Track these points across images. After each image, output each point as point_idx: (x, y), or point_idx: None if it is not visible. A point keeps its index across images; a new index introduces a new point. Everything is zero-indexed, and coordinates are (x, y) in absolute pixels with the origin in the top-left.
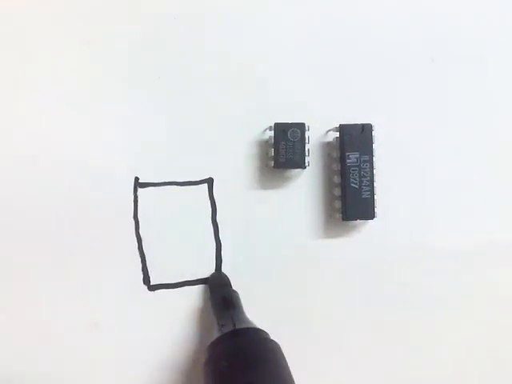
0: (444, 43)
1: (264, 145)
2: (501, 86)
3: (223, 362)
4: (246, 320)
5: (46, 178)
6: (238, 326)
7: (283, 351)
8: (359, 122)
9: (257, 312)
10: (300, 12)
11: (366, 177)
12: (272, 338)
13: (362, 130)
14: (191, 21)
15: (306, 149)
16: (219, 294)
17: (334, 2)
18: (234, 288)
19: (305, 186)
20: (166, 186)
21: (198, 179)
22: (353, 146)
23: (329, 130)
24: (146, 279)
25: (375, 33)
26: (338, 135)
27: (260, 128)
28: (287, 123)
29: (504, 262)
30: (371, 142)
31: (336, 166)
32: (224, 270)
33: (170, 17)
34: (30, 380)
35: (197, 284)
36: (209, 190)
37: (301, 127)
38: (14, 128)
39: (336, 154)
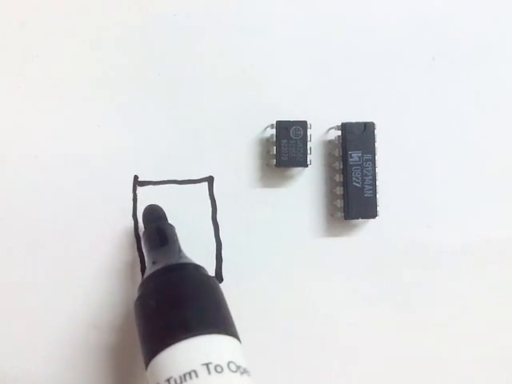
0: (445, 42)
1: (265, 143)
2: (502, 84)
3: (151, 302)
4: (181, 256)
5: (44, 176)
6: (171, 262)
7: (283, 351)
8: (361, 121)
9: (257, 311)
10: (302, 10)
11: (368, 175)
12: (271, 337)
13: (364, 128)
14: (191, 18)
15: (308, 147)
16: (153, 228)
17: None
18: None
19: (306, 185)
20: (165, 185)
21: (198, 177)
22: (355, 145)
23: (330, 128)
24: None
25: (376, 31)
26: (339, 133)
27: (261, 126)
28: (289, 121)
29: (505, 260)
30: (373, 141)
31: (338, 165)
32: (224, 269)
33: (170, 14)
34: (30, 380)
35: None
36: (209, 189)
37: (303, 125)
38: (14, 126)
39: (338, 152)
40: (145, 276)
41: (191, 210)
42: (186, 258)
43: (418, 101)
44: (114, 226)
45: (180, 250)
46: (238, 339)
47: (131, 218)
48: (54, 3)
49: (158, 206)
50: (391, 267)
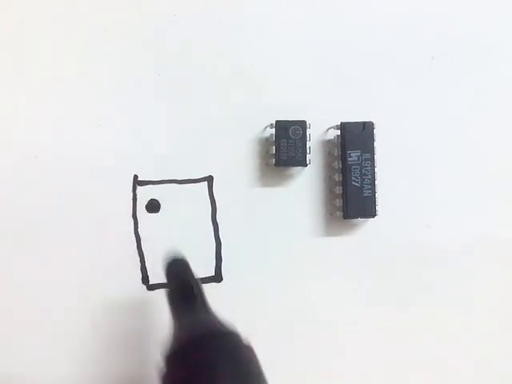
0: (444, 42)
1: (265, 143)
2: (501, 84)
3: (182, 372)
4: (212, 319)
5: (45, 176)
6: (203, 330)
7: (283, 350)
8: (360, 120)
9: (256, 310)
10: (302, 10)
11: (367, 175)
12: (272, 337)
13: (363, 127)
14: (191, 18)
15: (308, 147)
16: (176, 284)
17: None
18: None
19: (305, 184)
20: (165, 184)
21: (197, 177)
22: (354, 144)
23: (329, 128)
24: (145, 278)
25: (376, 31)
26: (339, 133)
27: (261, 126)
28: (288, 121)
29: (505, 260)
30: (372, 140)
31: (337, 164)
32: (224, 269)
33: (170, 14)
34: (30, 380)
35: None
36: (209, 188)
37: (302, 125)
38: (14, 126)
39: (337, 152)
40: (172, 343)
41: (191, 209)
42: (218, 321)
43: (417, 100)
44: (114, 225)
45: (210, 311)
46: None
47: (131, 218)
48: (54, 3)
49: (181, 256)
50: (390, 266)
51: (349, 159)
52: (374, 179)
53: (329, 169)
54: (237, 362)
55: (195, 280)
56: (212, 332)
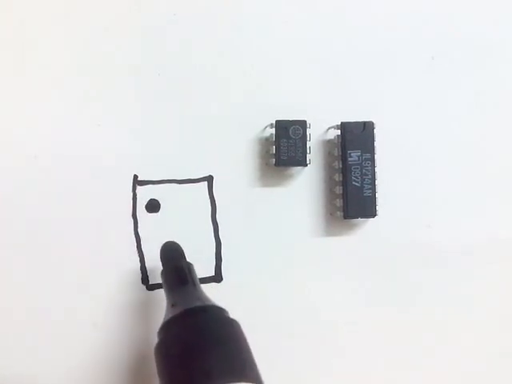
0: (444, 41)
1: (265, 142)
2: (501, 84)
3: (173, 350)
4: (200, 297)
5: (45, 176)
6: (191, 305)
7: (282, 350)
8: (360, 120)
9: (256, 310)
10: (302, 10)
11: (367, 175)
12: (271, 337)
13: (364, 127)
14: (191, 17)
15: (308, 146)
16: (171, 267)
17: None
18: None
19: (306, 184)
20: (165, 184)
21: (197, 177)
22: (354, 144)
23: (330, 128)
24: (145, 278)
25: (376, 31)
26: (339, 133)
27: (261, 125)
28: (288, 121)
29: (505, 260)
30: (373, 140)
31: (337, 164)
32: (224, 269)
33: (170, 14)
34: (29, 380)
35: None
36: (208, 188)
37: (302, 125)
38: (14, 126)
39: (337, 151)
40: (164, 319)
41: (191, 209)
42: (206, 298)
43: (418, 100)
44: (114, 225)
45: (200, 291)
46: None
47: (131, 218)
48: (54, 3)
49: (175, 243)
50: (390, 266)
51: (349, 159)
52: (374, 179)
53: (329, 169)
54: (223, 333)
55: (187, 263)
56: (201, 306)
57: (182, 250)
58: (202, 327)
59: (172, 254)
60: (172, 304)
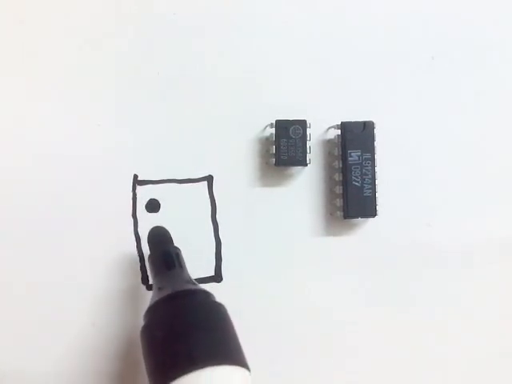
0: (444, 41)
1: (265, 142)
2: (501, 84)
3: (157, 332)
4: (187, 281)
5: (45, 176)
6: (178, 288)
7: (282, 350)
8: (361, 120)
9: (256, 310)
10: (302, 10)
11: (367, 175)
12: (271, 337)
13: (364, 127)
14: (191, 18)
15: (308, 146)
16: (159, 251)
17: None
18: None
19: (306, 184)
20: (164, 184)
21: (197, 177)
22: (354, 144)
23: (330, 127)
24: (145, 278)
25: (376, 31)
26: (339, 133)
27: (261, 125)
28: (288, 120)
29: (505, 260)
30: (373, 140)
31: (337, 164)
32: (224, 269)
33: (170, 13)
34: (29, 379)
35: None
36: (208, 188)
37: (302, 124)
38: (14, 126)
39: (337, 151)
40: (150, 302)
41: (190, 209)
42: (193, 283)
43: (418, 100)
44: (114, 224)
45: (187, 275)
46: (247, 368)
47: (131, 217)
48: (54, 3)
49: (163, 228)
50: (390, 266)
51: (349, 159)
52: (374, 179)
53: (329, 168)
54: (209, 317)
55: (175, 247)
56: (187, 289)
57: (170, 235)
58: (187, 310)
59: (160, 239)
60: (159, 287)
